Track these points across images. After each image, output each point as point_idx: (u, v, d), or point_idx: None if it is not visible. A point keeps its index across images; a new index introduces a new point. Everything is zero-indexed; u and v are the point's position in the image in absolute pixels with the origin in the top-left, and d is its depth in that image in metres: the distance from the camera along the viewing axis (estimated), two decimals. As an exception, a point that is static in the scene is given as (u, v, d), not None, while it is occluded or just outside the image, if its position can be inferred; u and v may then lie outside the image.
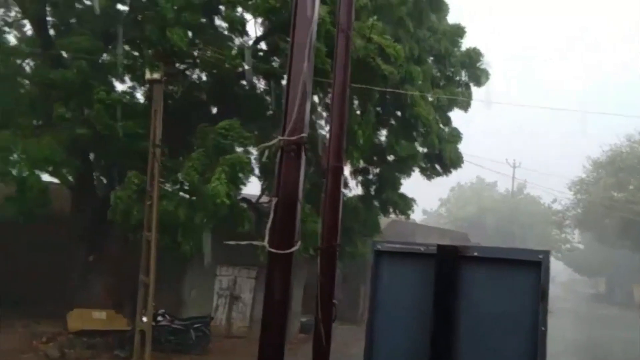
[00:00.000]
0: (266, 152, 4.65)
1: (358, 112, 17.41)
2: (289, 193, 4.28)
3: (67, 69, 15.67)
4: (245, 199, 17.85)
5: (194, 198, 15.17)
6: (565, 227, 63.76)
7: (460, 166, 21.49)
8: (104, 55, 16.60)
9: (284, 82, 17.95)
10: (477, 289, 3.85)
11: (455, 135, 21.25)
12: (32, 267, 17.61)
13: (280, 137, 4.25)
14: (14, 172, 15.22)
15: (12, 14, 17.85)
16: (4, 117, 15.52)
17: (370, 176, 21.51)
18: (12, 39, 18.09)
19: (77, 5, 17.48)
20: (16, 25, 18.04)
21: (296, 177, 4.32)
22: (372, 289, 4.32)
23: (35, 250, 17.63)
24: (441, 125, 20.80)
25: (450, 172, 21.68)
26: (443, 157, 20.74)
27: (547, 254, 3.70)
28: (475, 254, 3.89)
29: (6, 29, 17.58)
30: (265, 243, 4.16)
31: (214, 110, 18.40)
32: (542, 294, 3.65)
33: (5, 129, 15.25)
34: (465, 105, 20.94)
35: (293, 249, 4.22)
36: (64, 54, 16.57)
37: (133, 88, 17.89)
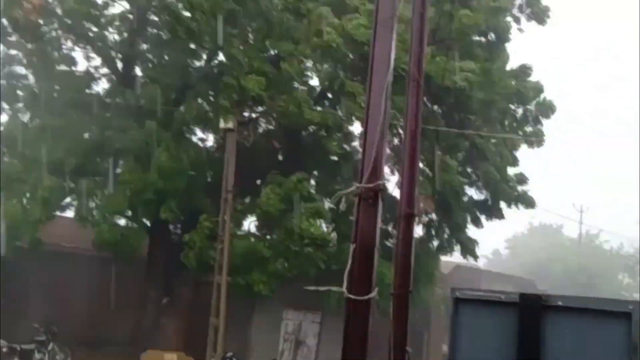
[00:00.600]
0: (343, 199, 4.68)
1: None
2: (366, 239, 4.28)
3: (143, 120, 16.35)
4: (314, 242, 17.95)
5: (268, 238, 15.44)
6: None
7: (532, 207, 20.77)
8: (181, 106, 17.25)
9: (351, 128, 18.49)
10: (562, 341, 3.68)
11: (521, 178, 20.64)
12: (108, 307, 18.07)
13: (357, 185, 4.27)
14: (95, 216, 15.91)
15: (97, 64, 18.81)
16: (84, 162, 16.18)
17: (431, 217, 21.07)
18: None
19: (153, 59, 18.36)
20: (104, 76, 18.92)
21: (373, 224, 4.32)
22: (451, 339, 4.21)
23: (112, 292, 18.13)
24: (509, 168, 20.25)
25: (517, 211, 20.94)
26: (509, 200, 20.14)
27: (637, 304, 3.50)
28: (560, 303, 3.73)
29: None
30: (344, 289, 4.15)
31: (280, 156, 18.72)
32: (633, 348, 3.45)
33: (84, 175, 15.99)
34: (536, 143, 20.30)
35: (371, 295, 4.19)
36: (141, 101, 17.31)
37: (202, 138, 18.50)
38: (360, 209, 4.31)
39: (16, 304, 19.55)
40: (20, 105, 17.92)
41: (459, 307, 4.17)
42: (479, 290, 4.17)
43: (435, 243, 20.92)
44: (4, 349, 14.60)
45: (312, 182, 17.96)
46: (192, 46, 17.22)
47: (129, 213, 16.58)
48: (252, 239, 15.77)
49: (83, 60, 18.43)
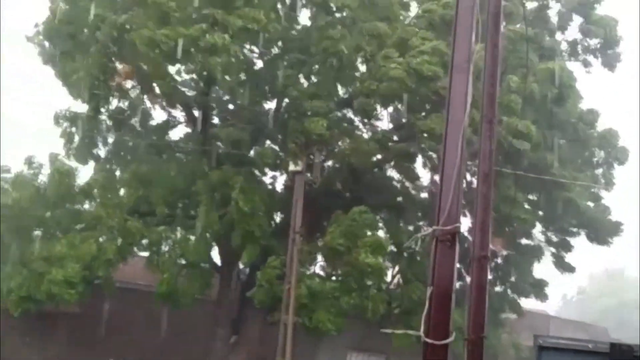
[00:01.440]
0: (419, 242, 4.60)
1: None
2: (443, 282, 4.18)
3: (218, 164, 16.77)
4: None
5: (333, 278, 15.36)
6: None
7: (618, 234, 19.82)
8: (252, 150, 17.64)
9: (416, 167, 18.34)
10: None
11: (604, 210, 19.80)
12: (178, 343, 18.28)
13: (435, 227, 4.19)
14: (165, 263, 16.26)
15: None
16: (163, 207, 16.61)
17: (499, 261, 20.41)
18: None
19: (231, 105, 18.92)
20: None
21: (451, 267, 4.23)
22: (534, 387, 4.00)
23: (182, 329, 18.36)
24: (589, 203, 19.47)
25: (604, 244, 19.96)
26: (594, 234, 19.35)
27: None
28: (653, 354, 3.49)
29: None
30: (421, 333, 4.03)
31: (346, 196, 18.71)
32: None
33: (161, 219, 16.45)
34: (608, 186, 19.55)
35: (449, 340, 4.06)
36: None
37: (273, 178, 18.71)
38: (437, 251, 4.22)
39: (93, 338, 20.17)
40: (102, 154, 18.77)
41: (542, 355, 3.96)
42: (562, 338, 3.95)
43: (502, 286, 20.27)
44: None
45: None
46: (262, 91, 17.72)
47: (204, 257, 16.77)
48: (317, 279, 15.65)
49: (160, 111, 19.38)
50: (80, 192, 15.94)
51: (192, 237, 16.19)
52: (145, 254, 17.40)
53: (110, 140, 18.91)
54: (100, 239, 15.04)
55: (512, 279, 20.29)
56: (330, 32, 16.31)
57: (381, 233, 17.62)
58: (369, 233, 15.90)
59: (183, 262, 16.18)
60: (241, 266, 18.59)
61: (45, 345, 20.57)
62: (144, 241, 16.21)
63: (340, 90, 17.71)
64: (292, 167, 15.43)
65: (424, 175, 19.20)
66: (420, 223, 18.87)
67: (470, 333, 5.88)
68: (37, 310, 17.40)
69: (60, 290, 13.83)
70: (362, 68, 17.48)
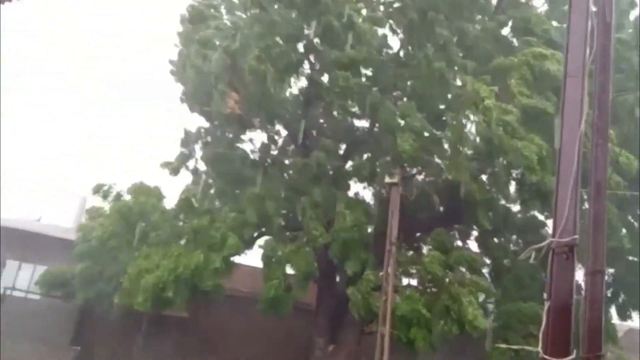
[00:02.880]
0: (533, 254, 4.37)
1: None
2: (562, 296, 3.95)
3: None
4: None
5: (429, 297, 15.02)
6: None
7: None
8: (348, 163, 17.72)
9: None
10: None
11: None
12: (279, 350, 18.54)
13: (551, 239, 3.95)
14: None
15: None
16: (266, 220, 16.92)
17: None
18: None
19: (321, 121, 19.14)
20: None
21: (569, 281, 3.98)
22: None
23: (281, 337, 18.60)
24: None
25: None
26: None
27: None
28: None
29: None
30: (539, 349, 3.79)
31: (442, 210, 18.33)
32: None
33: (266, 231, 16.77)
34: None
35: (570, 358, 3.79)
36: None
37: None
38: (554, 264, 3.97)
39: (200, 342, 20.89)
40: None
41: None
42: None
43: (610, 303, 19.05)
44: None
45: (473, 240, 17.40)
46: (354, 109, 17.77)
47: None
48: (411, 298, 15.28)
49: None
50: (187, 207, 16.58)
51: (298, 249, 16.37)
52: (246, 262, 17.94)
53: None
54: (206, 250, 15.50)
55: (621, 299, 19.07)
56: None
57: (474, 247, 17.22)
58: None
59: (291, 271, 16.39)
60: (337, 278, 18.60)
61: (154, 347, 21.60)
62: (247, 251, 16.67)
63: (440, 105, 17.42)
64: (387, 180, 15.27)
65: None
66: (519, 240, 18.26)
67: (586, 351, 5.52)
68: (144, 312, 18.39)
69: (154, 295, 14.37)
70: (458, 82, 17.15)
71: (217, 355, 20.76)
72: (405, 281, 16.30)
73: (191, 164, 20.43)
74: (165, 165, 20.21)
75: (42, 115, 54.12)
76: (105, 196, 19.86)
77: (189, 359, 21.31)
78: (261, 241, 17.71)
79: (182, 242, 15.72)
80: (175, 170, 20.12)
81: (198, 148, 20.15)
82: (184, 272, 14.38)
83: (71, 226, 22.90)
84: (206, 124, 19.86)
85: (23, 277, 21.19)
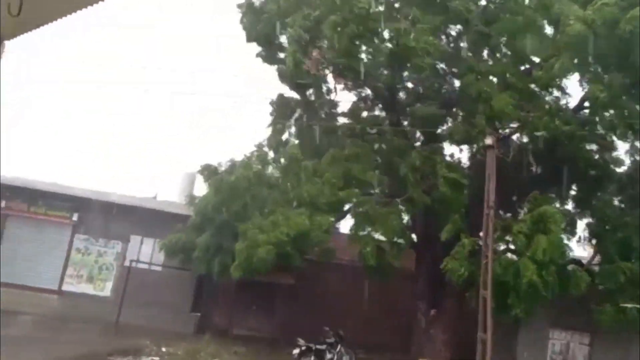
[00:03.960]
0: None
1: None
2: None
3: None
4: (575, 261, 16.54)
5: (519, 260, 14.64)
6: None
7: None
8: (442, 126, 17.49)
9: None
10: None
11: None
12: (381, 316, 18.91)
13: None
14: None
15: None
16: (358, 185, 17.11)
17: None
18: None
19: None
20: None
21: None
22: None
23: (384, 303, 18.93)
24: None
25: None
26: None
27: None
28: None
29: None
30: None
31: (539, 171, 17.64)
32: None
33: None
34: None
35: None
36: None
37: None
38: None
39: (307, 308, 21.68)
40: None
41: None
42: None
43: None
44: (303, 347, 16.09)
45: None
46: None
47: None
48: (507, 263, 14.97)
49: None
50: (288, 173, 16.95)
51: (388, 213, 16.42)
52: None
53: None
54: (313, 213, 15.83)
55: None
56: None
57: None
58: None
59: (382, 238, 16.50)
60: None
61: (265, 312, 22.73)
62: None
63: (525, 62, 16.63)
64: (486, 142, 14.92)
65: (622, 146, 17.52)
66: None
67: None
68: (256, 280, 19.33)
69: (269, 254, 14.83)
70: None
71: (325, 320, 21.48)
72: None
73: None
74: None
75: (145, 96, 57.28)
76: (210, 176, 20.99)
77: (300, 323, 22.24)
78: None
79: (290, 207, 16.07)
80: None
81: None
82: (297, 235, 14.75)
83: (184, 202, 24.30)
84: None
85: (145, 251, 22.86)
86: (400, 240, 17.01)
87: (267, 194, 16.30)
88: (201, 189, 30.85)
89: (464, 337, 16.66)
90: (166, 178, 25.98)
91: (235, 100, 59.71)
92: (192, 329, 21.86)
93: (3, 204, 22.36)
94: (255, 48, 19.56)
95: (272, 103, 21.71)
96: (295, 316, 22.25)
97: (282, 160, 17.66)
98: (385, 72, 17.66)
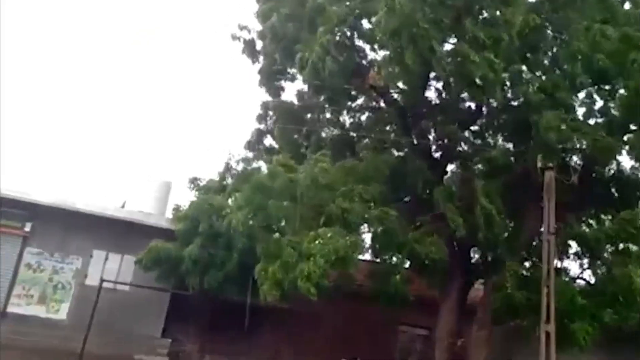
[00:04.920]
0: None
1: None
2: None
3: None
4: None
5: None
6: None
7: None
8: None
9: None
10: None
11: None
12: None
13: None
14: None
15: None
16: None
17: None
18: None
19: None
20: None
21: None
22: None
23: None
24: None
25: None
26: None
27: None
28: None
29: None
30: None
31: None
32: None
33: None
34: None
35: None
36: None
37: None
38: None
39: (292, 333, 19.49)
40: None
41: None
42: None
43: None
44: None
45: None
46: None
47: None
48: (567, 286, 13.75)
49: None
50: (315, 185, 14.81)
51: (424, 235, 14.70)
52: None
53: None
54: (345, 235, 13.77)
55: None
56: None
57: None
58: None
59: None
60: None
61: (243, 337, 20.17)
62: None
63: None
64: (540, 164, 13.63)
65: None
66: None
67: None
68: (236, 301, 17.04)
69: (306, 285, 12.70)
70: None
71: (314, 347, 19.40)
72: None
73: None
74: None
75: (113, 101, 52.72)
76: (199, 189, 18.77)
77: (284, 349, 20.00)
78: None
79: (320, 224, 13.89)
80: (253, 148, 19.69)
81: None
82: (336, 258, 12.63)
83: (152, 212, 21.39)
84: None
85: (111, 268, 19.75)
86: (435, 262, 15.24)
87: (292, 208, 14.05)
88: (179, 199, 28.32)
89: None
90: (135, 186, 22.68)
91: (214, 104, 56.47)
92: (166, 358, 18.89)
93: (-60, 210, 18.49)
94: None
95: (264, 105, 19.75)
96: (276, 341, 20.07)
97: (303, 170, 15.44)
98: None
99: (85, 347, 16.88)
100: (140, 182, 23.71)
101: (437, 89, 17.09)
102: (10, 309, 18.90)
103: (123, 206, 22.39)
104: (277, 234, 13.64)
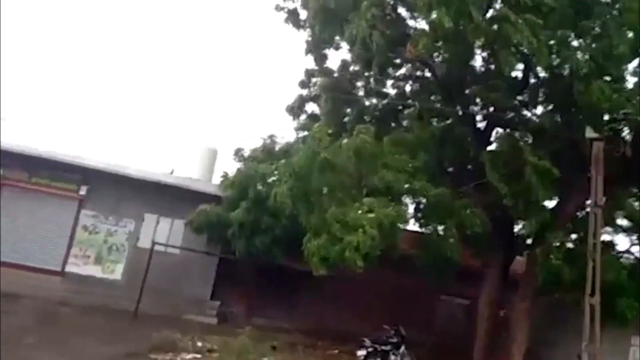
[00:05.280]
0: None
1: None
2: None
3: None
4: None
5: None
6: None
7: None
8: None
9: None
10: None
11: None
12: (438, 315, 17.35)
13: None
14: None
15: None
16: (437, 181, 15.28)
17: None
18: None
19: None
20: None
21: None
22: None
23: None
24: None
25: None
26: None
27: None
28: None
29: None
30: None
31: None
32: None
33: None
34: None
35: None
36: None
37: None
38: None
39: (332, 299, 19.85)
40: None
41: None
42: None
43: None
44: (369, 349, 14.41)
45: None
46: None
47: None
48: (612, 262, 13.52)
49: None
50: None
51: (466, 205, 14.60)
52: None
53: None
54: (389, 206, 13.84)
55: None
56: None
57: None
58: None
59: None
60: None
61: (286, 302, 20.71)
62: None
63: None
64: (588, 134, 13.24)
65: None
66: None
67: None
68: (282, 266, 17.52)
69: (353, 256, 12.88)
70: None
71: (352, 314, 19.77)
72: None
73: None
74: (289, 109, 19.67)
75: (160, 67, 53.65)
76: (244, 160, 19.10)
77: (324, 314, 20.43)
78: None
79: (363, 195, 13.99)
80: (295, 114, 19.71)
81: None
82: (384, 229, 12.74)
83: (205, 179, 21.99)
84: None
85: (162, 232, 20.46)
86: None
87: (335, 179, 14.17)
88: (224, 166, 28.97)
89: (534, 339, 15.25)
90: (183, 153, 23.34)
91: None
92: (215, 319, 19.61)
93: (0, 172, 19.43)
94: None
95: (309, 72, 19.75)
96: (320, 306, 20.50)
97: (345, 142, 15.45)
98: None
99: (138, 306, 17.82)
100: (187, 149, 24.34)
101: (482, 58, 16.67)
102: (69, 268, 19.95)
103: (172, 172, 23.02)
104: (320, 207, 13.75)
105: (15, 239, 19.34)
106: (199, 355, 14.63)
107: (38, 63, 51.01)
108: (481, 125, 17.05)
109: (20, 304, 16.32)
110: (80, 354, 12.49)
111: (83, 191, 20.17)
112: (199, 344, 15.70)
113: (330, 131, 14.79)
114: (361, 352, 14.38)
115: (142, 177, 20.40)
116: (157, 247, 19.40)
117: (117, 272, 20.18)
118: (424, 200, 15.23)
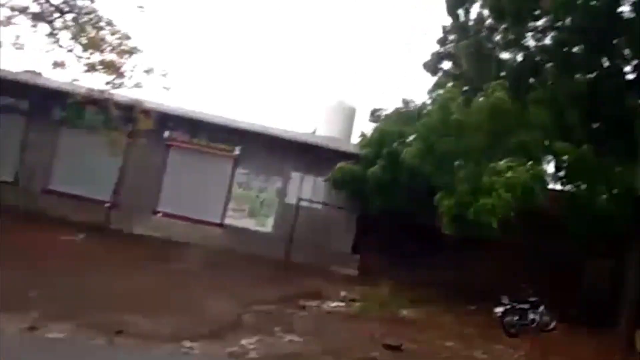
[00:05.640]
0: None
1: None
2: None
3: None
4: None
5: None
6: None
7: None
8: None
9: None
10: None
11: None
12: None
13: None
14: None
15: None
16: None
17: None
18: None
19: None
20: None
21: None
22: None
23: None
24: None
25: None
26: None
27: None
28: None
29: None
30: None
31: None
32: None
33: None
34: None
35: None
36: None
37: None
38: None
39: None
40: None
41: None
42: None
43: None
44: (507, 306, 14.67)
45: None
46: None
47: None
48: None
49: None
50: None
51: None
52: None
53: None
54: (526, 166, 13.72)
55: None
56: None
57: None
58: None
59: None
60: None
61: (423, 260, 21.16)
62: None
63: None
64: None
65: None
66: None
67: None
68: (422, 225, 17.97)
69: (488, 219, 13.07)
70: None
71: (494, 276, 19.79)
72: None
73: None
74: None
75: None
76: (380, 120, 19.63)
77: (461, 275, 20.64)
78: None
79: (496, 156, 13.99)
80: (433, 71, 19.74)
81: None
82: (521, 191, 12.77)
83: (344, 138, 23.01)
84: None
85: (306, 189, 21.91)
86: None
87: (468, 140, 14.29)
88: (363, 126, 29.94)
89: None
90: (323, 111, 24.47)
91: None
92: (357, 271, 20.89)
93: (167, 134, 21.98)
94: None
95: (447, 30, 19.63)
96: (455, 265, 20.67)
97: (481, 100, 15.30)
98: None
99: (288, 256, 19.62)
100: (327, 107, 25.37)
101: (632, 3, 15.44)
102: (227, 221, 22.23)
103: (314, 132, 24.31)
104: (451, 168, 14.01)
105: (181, 194, 21.88)
106: (342, 304, 15.96)
107: (196, 35, 54.94)
108: (631, 76, 15.93)
109: (189, 252, 18.74)
110: (243, 296, 14.30)
111: (237, 151, 22.13)
112: (343, 293, 17.06)
113: (465, 88, 14.82)
114: (498, 309, 14.64)
115: (289, 138, 21.89)
116: (302, 203, 20.97)
117: (268, 225, 22.09)
118: (565, 158, 14.82)
